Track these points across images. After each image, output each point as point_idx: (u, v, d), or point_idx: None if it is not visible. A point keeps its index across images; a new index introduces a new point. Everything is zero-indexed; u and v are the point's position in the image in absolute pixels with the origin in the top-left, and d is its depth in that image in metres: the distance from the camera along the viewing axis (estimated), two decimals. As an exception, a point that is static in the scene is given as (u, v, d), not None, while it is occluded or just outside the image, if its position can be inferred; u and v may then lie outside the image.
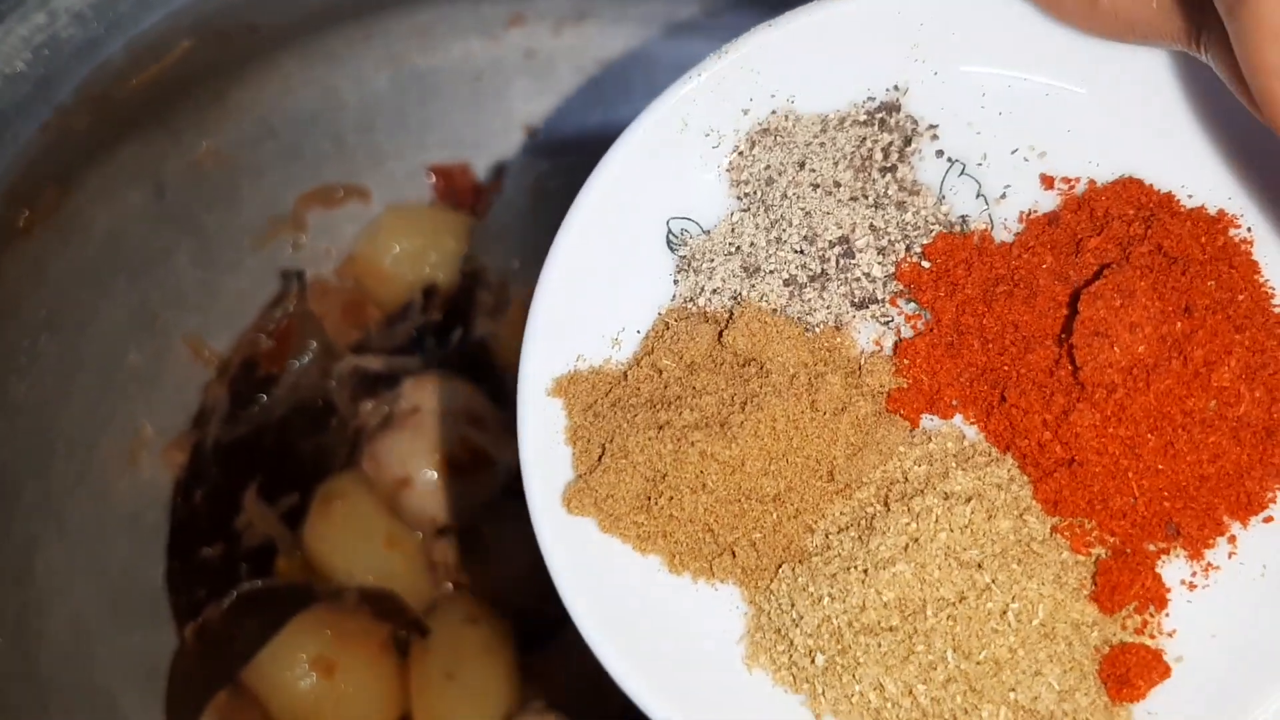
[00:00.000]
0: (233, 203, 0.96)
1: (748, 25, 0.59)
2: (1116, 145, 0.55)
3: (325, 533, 0.91)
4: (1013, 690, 0.51)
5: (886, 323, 0.56)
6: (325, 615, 0.88)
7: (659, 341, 0.57)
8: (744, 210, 0.58)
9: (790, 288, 0.56)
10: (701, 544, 0.54)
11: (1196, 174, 0.54)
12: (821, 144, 0.57)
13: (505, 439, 0.92)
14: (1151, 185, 0.55)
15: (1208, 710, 0.51)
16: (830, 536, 0.54)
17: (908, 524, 0.52)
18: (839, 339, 0.56)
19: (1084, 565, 0.52)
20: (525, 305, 0.95)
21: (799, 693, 0.53)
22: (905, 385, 0.55)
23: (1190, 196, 0.54)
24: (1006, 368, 0.53)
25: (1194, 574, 0.52)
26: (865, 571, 0.52)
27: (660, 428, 0.54)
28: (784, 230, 0.57)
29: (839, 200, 0.57)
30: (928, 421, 0.55)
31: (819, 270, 0.56)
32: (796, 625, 0.53)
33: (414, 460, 0.90)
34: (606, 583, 0.54)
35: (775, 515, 0.54)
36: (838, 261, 0.56)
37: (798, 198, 0.57)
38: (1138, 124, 0.55)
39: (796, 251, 0.57)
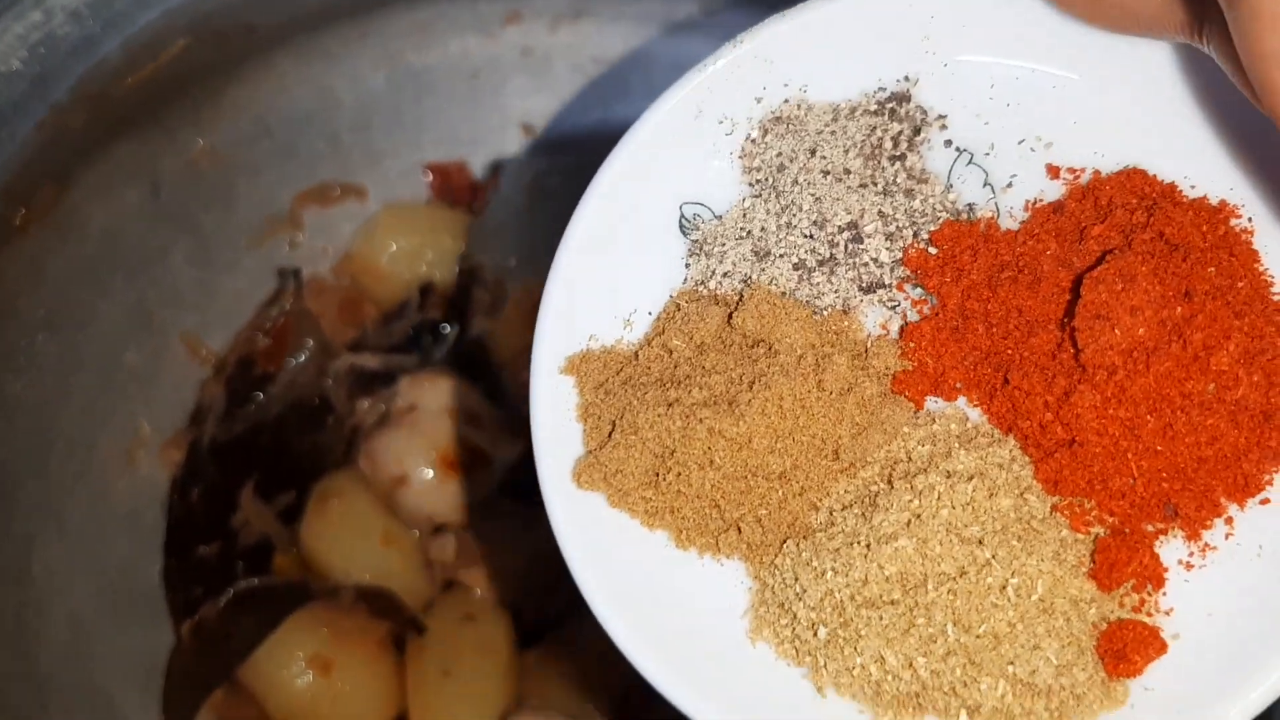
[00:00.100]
0: (229, 201, 0.96)
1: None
2: (1121, 137, 0.56)
3: (322, 531, 0.91)
4: (1011, 663, 0.51)
5: (893, 307, 0.57)
6: (322, 613, 0.88)
7: (670, 322, 0.58)
8: (755, 196, 0.59)
9: (799, 272, 0.58)
10: (708, 520, 0.55)
11: (1199, 165, 0.55)
12: (833, 132, 0.59)
13: (502, 437, 0.92)
14: (1155, 176, 0.56)
15: (1203, 687, 0.51)
16: (834, 513, 0.55)
17: (910, 501, 0.53)
18: (846, 322, 0.57)
19: (1083, 543, 0.53)
20: (522, 303, 0.97)
21: (801, 665, 0.54)
22: (910, 368, 0.56)
23: (1193, 187, 0.55)
24: (1010, 351, 0.54)
25: (1191, 554, 0.53)
26: (868, 546, 0.53)
27: (669, 405, 0.55)
28: (794, 215, 0.58)
29: (848, 187, 0.58)
30: (932, 403, 0.56)
31: (828, 255, 0.58)
32: (800, 599, 0.54)
33: (410, 458, 0.90)
34: (615, 557, 0.55)
35: (781, 492, 0.55)
36: (846, 246, 0.58)
37: (808, 184, 0.58)
38: (1142, 116, 0.56)
39: (806, 236, 0.58)
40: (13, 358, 0.85)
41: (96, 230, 0.88)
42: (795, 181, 0.58)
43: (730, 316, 0.57)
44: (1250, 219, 0.54)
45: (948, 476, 0.53)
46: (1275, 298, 0.53)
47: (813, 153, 0.58)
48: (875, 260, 0.58)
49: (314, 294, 1.00)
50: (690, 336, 0.57)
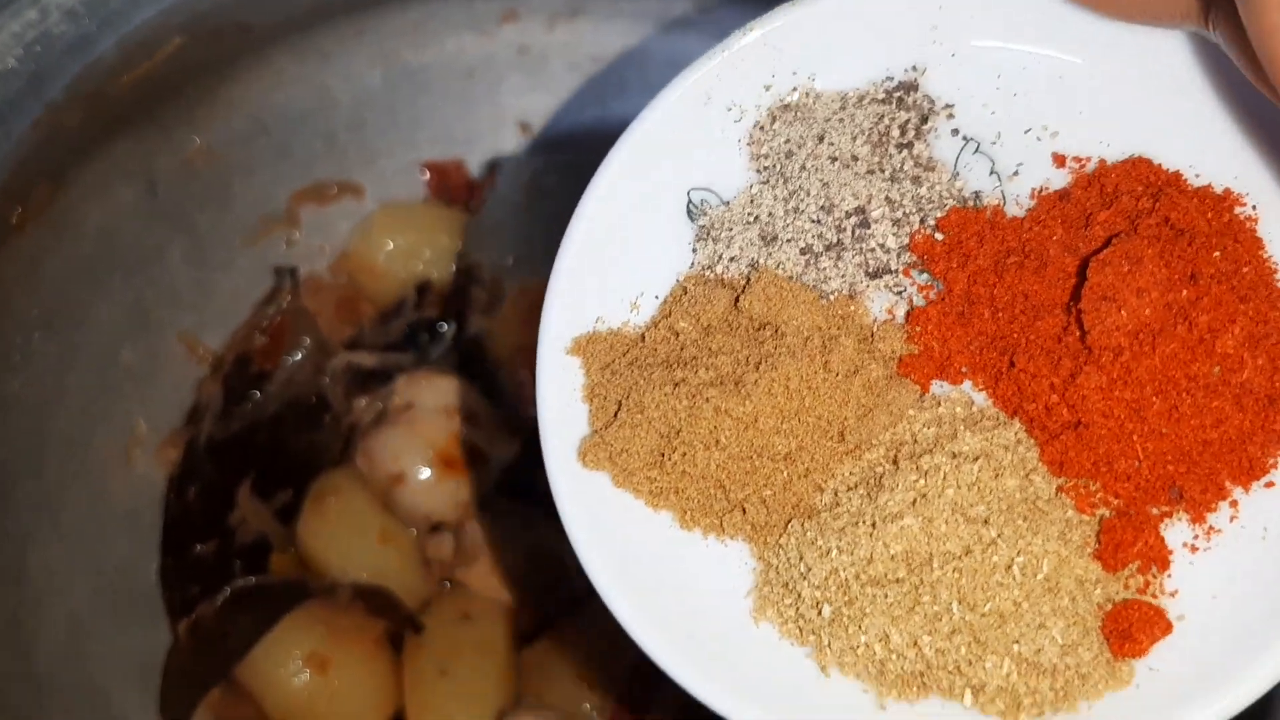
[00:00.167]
0: (225, 200, 0.96)
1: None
2: (1126, 126, 0.57)
3: (319, 529, 0.91)
4: (1017, 642, 0.51)
5: (899, 293, 0.58)
6: (319, 612, 0.88)
7: (677, 305, 0.58)
8: (763, 183, 0.59)
9: (806, 256, 0.58)
10: (713, 500, 0.56)
11: (1204, 154, 0.56)
12: (840, 120, 0.59)
13: (499, 435, 0.92)
14: (1160, 165, 0.56)
15: (1208, 668, 0.51)
16: (839, 494, 0.55)
17: (916, 481, 0.53)
18: (852, 307, 0.57)
19: (1088, 524, 0.53)
20: (519, 302, 0.97)
21: (805, 645, 0.54)
22: (916, 351, 0.56)
23: (1197, 176, 0.56)
24: (1016, 335, 0.55)
25: (1196, 537, 0.53)
26: (873, 525, 0.53)
27: (676, 385, 0.55)
28: (802, 200, 0.58)
29: (856, 173, 0.58)
30: (937, 387, 0.57)
31: (835, 240, 0.58)
32: (804, 578, 0.54)
33: (407, 456, 0.90)
34: (619, 537, 0.56)
35: (786, 473, 0.55)
36: (853, 232, 0.58)
37: (816, 170, 0.59)
38: (1147, 105, 0.57)
39: (813, 221, 0.58)
40: (9, 357, 0.85)
41: (93, 229, 0.88)
42: (803, 167, 0.59)
43: (737, 300, 0.58)
44: (1254, 207, 0.55)
45: (953, 457, 0.53)
46: (1279, 285, 0.54)
47: (821, 139, 0.59)
48: (882, 246, 0.58)
49: (311, 292, 1.00)
50: (697, 319, 0.58)
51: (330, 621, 0.87)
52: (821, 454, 0.55)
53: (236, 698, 0.87)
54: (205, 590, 0.90)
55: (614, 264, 0.59)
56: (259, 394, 0.96)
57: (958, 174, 0.59)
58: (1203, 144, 0.56)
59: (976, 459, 0.53)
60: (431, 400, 0.92)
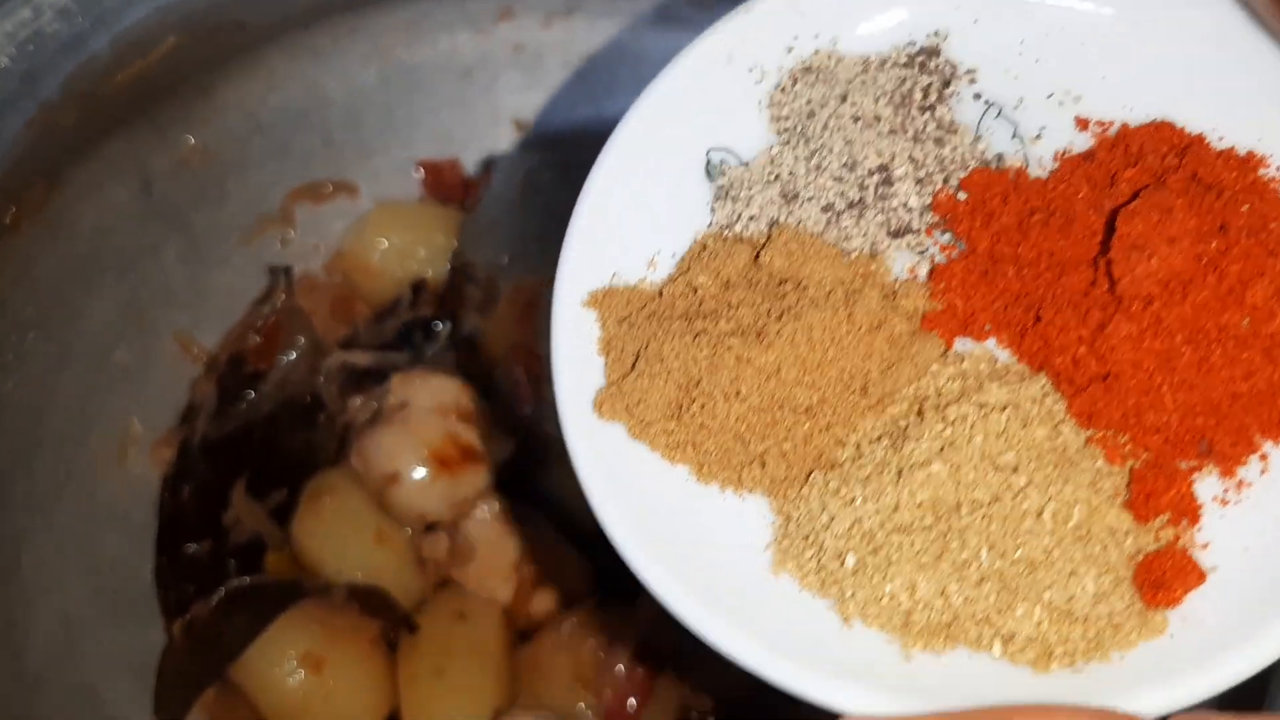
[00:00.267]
0: (220, 199, 0.96)
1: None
2: (1149, 89, 0.58)
3: (314, 529, 0.91)
4: (1048, 590, 0.50)
5: (921, 252, 0.57)
6: (314, 611, 0.87)
7: (695, 261, 0.58)
8: (784, 144, 0.59)
9: (828, 214, 0.58)
10: (731, 453, 0.54)
11: (1227, 117, 0.56)
12: (862, 82, 0.59)
13: (494, 434, 0.92)
14: (1183, 128, 0.57)
15: (1241, 618, 0.50)
16: (862, 446, 0.54)
17: (942, 430, 0.52)
18: (874, 265, 0.57)
19: (1118, 475, 0.52)
20: (514, 300, 0.96)
21: (826, 597, 0.52)
22: (940, 308, 0.56)
23: (1221, 138, 0.56)
24: (1041, 291, 0.54)
25: (1226, 490, 0.53)
26: (899, 473, 0.52)
27: (696, 335, 0.54)
28: (824, 158, 0.58)
29: (879, 132, 0.58)
30: (960, 345, 0.56)
31: (857, 198, 0.58)
32: (827, 529, 0.52)
33: (402, 456, 0.90)
34: (635, 489, 0.54)
35: (807, 426, 0.54)
36: (876, 190, 0.58)
37: (838, 128, 0.59)
38: (1170, 68, 0.57)
39: (835, 179, 0.58)
40: (3, 356, 0.84)
41: (87, 228, 0.88)
42: (825, 126, 0.59)
43: (757, 256, 0.57)
44: (1279, 168, 0.55)
45: (980, 408, 0.52)
46: None
47: (843, 99, 0.59)
48: (905, 204, 0.58)
49: (306, 291, 1.00)
50: (716, 274, 0.57)
51: (325, 621, 0.87)
52: (844, 407, 0.54)
53: (231, 698, 0.87)
54: (200, 590, 0.90)
55: (631, 221, 0.59)
56: (254, 393, 0.96)
57: (980, 137, 0.59)
58: (1226, 107, 0.56)
59: (1004, 409, 0.52)
60: (427, 399, 0.92)
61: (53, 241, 0.86)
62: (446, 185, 1.03)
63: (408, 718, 0.86)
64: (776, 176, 0.59)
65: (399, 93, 1.00)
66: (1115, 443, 0.53)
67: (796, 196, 0.58)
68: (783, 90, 0.60)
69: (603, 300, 0.57)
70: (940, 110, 0.59)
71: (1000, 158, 0.58)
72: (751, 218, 0.58)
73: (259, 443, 0.95)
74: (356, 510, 0.91)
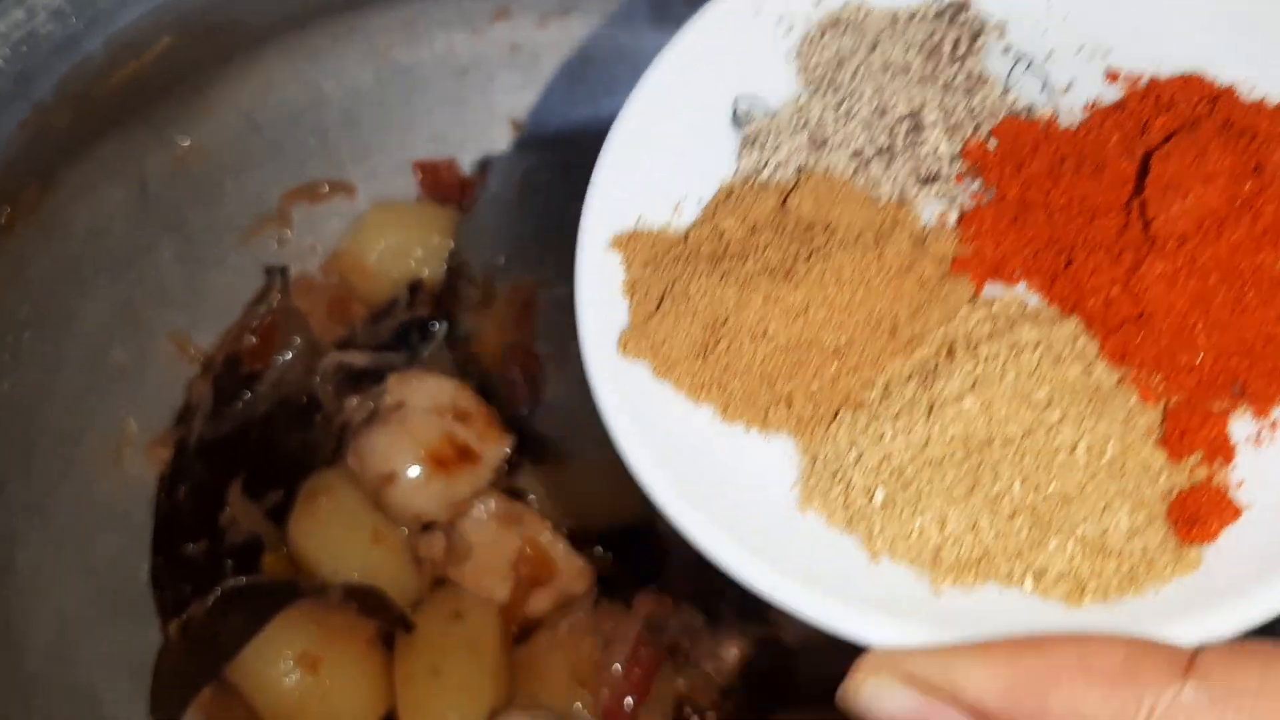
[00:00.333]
0: (216, 199, 0.96)
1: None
2: (1180, 43, 0.58)
3: (310, 529, 0.91)
4: (1081, 524, 0.50)
5: (951, 199, 0.57)
6: (310, 611, 0.87)
7: (721, 206, 0.58)
8: (812, 93, 0.59)
9: (856, 161, 0.57)
10: (757, 394, 0.54)
11: (1259, 68, 0.57)
12: (891, 34, 0.60)
13: (491, 434, 0.92)
14: (1214, 80, 0.57)
15: (1274, 553, 0.49)
16: (891, 386, 0.53)
17: (974, 368, 0.52)
18: (904, 211, 0.57)
19: (1152, 413, 0.52)
20: (511, 300, 0.96)
21: (854, 533, 0.52)
22: (969, 253, 0.56)
23: (1252, 89, 0.56)
24: (1073, 236, 0.54)
25: (1260, 431, 0.52)
26: (930, 409, 0.51)
27: (723, 275, 0.54)
28: (853, 104, 0.58)
29: (909, 80, 0.59)
30: (990, 289, 0.56)
31: (886, 144, 0.58)
32: (855, 465, 0.52)
33: (399, 456, 0.90)
34: (660, 429, 0.54)
35: (835, 367, 0.53)
36: (906, 136, 0.58)
37: (868, 76, 0.59)
38: (1200, 21, 0.58)
39: (865, 125, 0.58)
40: (-2, 356, 0.85)
41: (82, 229, 0.88)
42: (854, 74, 0.59)
43: (784, 201, 0.56)
44: None
45: (1012, 347, 0.52)
46: None
47: (873, 48, 0.59)
48: (934, 152, 0.57)
49: (302, 292, 1.00)
50: (743, 218, 0.56)
51: (322, 621, 0.87)
52: (872, 349, 0.53)
53: (228, 698, 0.87)
54: (196, 590, 0.90)
55: (657, 166, 0.59)
56: (250, 394, 0.96)
57: (1009, 89, 0.59)
58: (1257, 59, 0.57)
59: (1036, 347, 0.52)
60: (423, 399, 0.92)
61: (47, 242, 0.86)
62: (443, 185, 1.03)
63: (404, 717, 0.86)
64: (805, 124, 0.58)
65: (395, 93, 1.00)
66: (1149, 381, 0.52)
67: (825, 143, 0.58)
68: (810, 41, 0.60)
69: (627, 243, 0.57)
70: (970, 62, 0.59)
71: (1030, 109, 0.59)
72: (779, 164, 0.58)
73: (255, 443, 0.95)
74: (353, 510, 0.91)
